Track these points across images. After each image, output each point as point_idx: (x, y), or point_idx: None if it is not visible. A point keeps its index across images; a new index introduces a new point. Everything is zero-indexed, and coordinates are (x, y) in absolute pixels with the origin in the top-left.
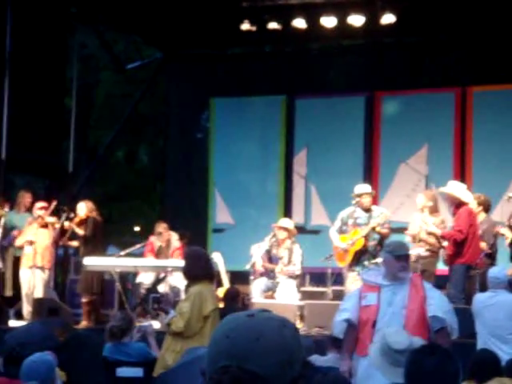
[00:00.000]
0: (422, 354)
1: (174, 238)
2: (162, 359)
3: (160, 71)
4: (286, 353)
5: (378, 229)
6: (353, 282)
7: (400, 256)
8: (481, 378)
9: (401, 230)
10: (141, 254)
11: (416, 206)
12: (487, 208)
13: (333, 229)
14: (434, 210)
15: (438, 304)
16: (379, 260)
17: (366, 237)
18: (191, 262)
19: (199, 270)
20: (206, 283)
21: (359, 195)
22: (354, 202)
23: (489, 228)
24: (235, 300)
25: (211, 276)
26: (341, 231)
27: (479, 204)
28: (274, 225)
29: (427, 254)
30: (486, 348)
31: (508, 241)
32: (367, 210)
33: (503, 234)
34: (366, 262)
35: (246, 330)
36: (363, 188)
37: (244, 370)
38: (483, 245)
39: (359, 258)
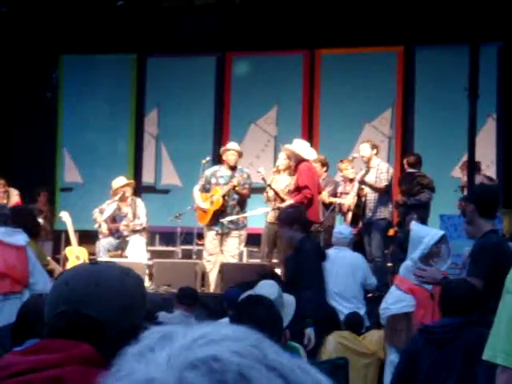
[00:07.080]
0: (251, 304)
1: (14, 193)
2: None
3: (5, 26)
4: (125, 299)
5: (237, 188)
6: (211, 240)
7: None
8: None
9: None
10: None
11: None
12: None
13: (196, 187)
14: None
15: None
16: (234, 218)
17: (225, 196)
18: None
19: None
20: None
21: (227, 149)
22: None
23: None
24: None
25: (33, 232)
26: (204, 189)
27: (323, 164)
28: (114, 188)
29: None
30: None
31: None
32: (232, 168)
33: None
34: (224, 222)
35: (85, 277)
36: (232, 144)
37: (81, 315)
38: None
39: (218, 217)
